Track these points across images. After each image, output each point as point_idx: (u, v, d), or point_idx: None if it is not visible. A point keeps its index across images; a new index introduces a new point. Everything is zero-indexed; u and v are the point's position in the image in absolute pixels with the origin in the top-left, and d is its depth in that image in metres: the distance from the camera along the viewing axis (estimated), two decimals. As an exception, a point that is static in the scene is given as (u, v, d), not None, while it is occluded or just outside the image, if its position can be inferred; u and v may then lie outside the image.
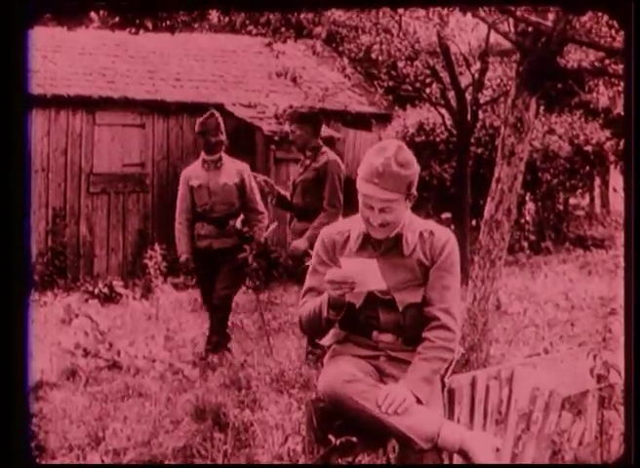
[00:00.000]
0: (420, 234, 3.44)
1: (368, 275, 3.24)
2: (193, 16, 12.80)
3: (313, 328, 3.46)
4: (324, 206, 6.46)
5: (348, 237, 3.50)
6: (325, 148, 6.68)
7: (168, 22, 12.07)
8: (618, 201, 19.63)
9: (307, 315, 3.43)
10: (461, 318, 6.45)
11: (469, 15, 7.43)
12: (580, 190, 18.21)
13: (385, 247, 3.44)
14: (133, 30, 11.69)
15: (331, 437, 3.32)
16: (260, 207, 7.26)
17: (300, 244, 6.43)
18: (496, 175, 6.36)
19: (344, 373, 3.31)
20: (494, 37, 12.38)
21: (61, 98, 12.81)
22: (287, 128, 13.40)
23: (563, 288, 9.95)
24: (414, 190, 3.39)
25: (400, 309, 3.41)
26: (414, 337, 3.44)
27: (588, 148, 16.47)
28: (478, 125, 13.98)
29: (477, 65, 12.83)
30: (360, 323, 3.45)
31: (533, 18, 6.11)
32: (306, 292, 3.53)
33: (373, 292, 3.37)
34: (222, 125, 7.18)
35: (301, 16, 9.66)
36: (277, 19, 9.57)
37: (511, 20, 6.76)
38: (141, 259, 11.43)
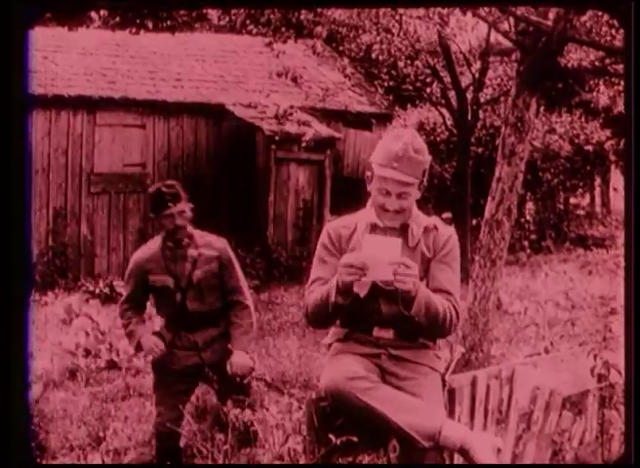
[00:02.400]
0: (425, 228, 3.47)
1: (385, 258, 3.22)
2: (193, 16, 12.82)
3: (320, 315, 3.45)
4: (240, 299, 4.95)
5: (354, 231, 3.51)
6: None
7: (168, 23, 12.09)
8: (618, 200, 19.63)
9: (314, 302, 3.43)
10: (462, 317, 6.46)
11: (470, 14, 7.44)
12: (580, 190, 18.24)
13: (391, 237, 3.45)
14: (133, 30, 11.72)
15: (331, 436, 3.32)
16: None
17: (246, 359, 4.80)
18: (496, 174, 6.36)
19: (347, 371, 3.31)
20: (494, 36, 12.38)
21: (62, 99, 12.81)
22: (288, 128, 13.49)
23: (563, 287, 9.95)
24: (425, 178, 3.43)
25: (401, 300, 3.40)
26: (414, 332, 3.44)
27: (589, 148, 16.48)
28: (479, 124, 13.98)
29: (478, 65, 12.84)
30: (361, 317, 3.45)
31: (533, 17, 6.11)
32: (313, 282, 3.53)
33: (376, 283, 3.36)
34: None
35: (302, 15, 9.65)
36: (277, 18, 9.57)
37: (512, 20, 6.77)
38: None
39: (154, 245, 4.87)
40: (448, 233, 3.50)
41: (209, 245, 4.87)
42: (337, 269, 3.39)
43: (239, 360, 4.77)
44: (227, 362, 4.73)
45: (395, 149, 3.34)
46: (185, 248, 4.82)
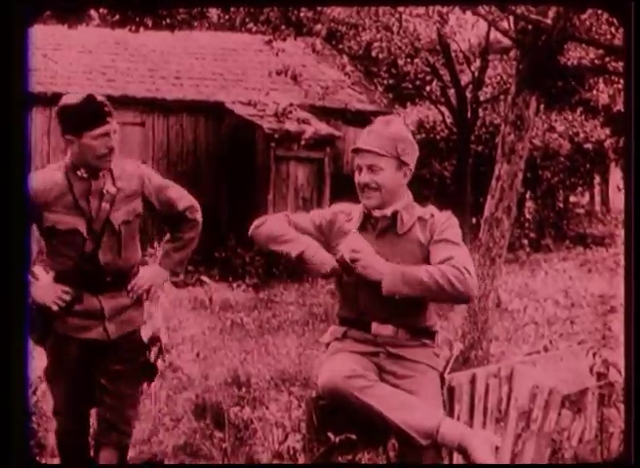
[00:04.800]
0: (420, 217, 3.46)
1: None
2: (193, 13, 12.82)
3: (273, 249, 3.49)
4: (185, 212, 3.85)
5: (349, 219, 3.52)
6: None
7: (168, 21, 12.08)
8: (618, 199, 19.65)
9: (278, 237, 3.47)
10: (461, 315, 6.47)
11: (469, 12, 7.44)
12: (580, 188, 18.25)
13: (382, 226, 3.46)
14: (133, 28, 11.69)
15: (330, 435, 3.32)
16: None
17: (157, 276, 3.85)
18: (496, 172, 6.36)
19: (345, 369, 3.31)
20: (494, 35, 12.38)
21: (62, 97, 12.81)
22: (288, 126, 13.48)
23: (563, 285, 9.95)
24: (407, 159, 3.42)
25: None
26: (414, 328, 3.44)
27: (588, 146, 16.48)
28: (478, 123, 13.99)
29: (477, 63, 12.85)
30: (360, 312, 3.45)
31: (533, 15, 6.11)
32: (286, 215, 3.62)
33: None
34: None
35: (301, 13, 9.65)
36: (277, 16, 9.57)
37: (511, 18, 6.76)
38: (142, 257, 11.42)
39: (56, 174, 3.67)
40: (445, 216, 3.48)
41: (128, 176, 3.72)
42: (307, 231, 3.50)
43: (148, 273, 3.79)
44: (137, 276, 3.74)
45: (369, 127, 3.45)
46: (101, 180, 3.64)
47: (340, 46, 14.21)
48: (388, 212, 3.45)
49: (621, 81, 8.14)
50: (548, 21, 6.10)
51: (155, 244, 9.62)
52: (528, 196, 16.00)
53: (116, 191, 3.64)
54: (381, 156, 3.37)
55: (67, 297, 3.56)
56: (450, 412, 3.63)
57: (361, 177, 3.42)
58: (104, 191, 3.62)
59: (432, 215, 3.48)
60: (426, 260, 3.40)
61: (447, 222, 3.44)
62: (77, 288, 3.60)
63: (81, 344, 3.62)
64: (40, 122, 12.54)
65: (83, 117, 3.56)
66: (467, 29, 12.09)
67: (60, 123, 3.64)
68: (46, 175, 3.65)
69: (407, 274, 3.27)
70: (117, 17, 12.07)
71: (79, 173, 3.62)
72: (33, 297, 3.51)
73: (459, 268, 3.26)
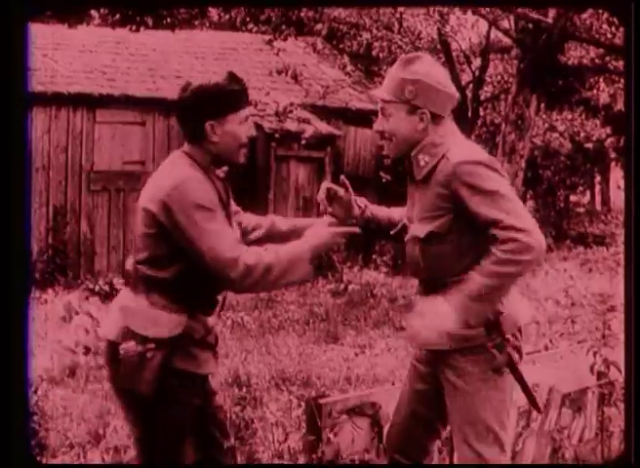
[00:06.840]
0: (444, 155, 2.96)
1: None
2: (193, 13, 12.83)
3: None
4: None
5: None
6: None
7: (168, 20, 12.09)
8: (618, 198, 19.65)
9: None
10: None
11: (470, 11, 7.44)
12: (580, 187, 18.26)
13: (409, 171, 3.09)
14: (133, 28, 11.70)
15: (330, 435, 3.32)
16: None
17: None
18: (496, 172, 6.36)
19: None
20: (494, 34, 12.38)
21: (62, 96, 12.82)
22: (288, 126, 13.49)
23: (563, 285, 9.95)
24: (419, 103, 2.96)
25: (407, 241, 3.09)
26: (434, 285, 3.00)
27: (589, 145, 16.49)
28: (479, 122, 13.99)
29: (478, 62, 12.85)
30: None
31: (533, 15, 6.12)
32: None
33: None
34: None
35: (302, 13, 9.66)
36: (277, 16, 9.57)
37: (512, 17, 6.77)
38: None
39: (201, 177, 2.88)
40: (458, 159, 2.90)
41: None
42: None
43: None
44: None
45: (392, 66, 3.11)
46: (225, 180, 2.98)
47: (341, 45, 14.22)
48: (392, 153, 3.09)
49: (622, 80, 8.14)
50: (549, 21, 6.10)
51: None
52: (528, 195, 16.00)
53: None
54: (389, 102, 3.00)
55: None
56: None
57: (375, 124, 3.10)
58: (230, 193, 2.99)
59: (446, 157, 2.93)
60: (445, 210, 2.94)
61: (467, 168, 2.88)
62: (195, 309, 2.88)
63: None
64: (40, 121, 12.54)
65: (229, 97, 2.86)
66: (468, 28, 12.11)
67: (195, 109, 2.85)
68: (203, 180, 2.88)
69: (476, 293, 2.83)
70: (117, 16, 12.07)
71: (219, 172, 2.99)
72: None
73: (514, 239, 2.76)
